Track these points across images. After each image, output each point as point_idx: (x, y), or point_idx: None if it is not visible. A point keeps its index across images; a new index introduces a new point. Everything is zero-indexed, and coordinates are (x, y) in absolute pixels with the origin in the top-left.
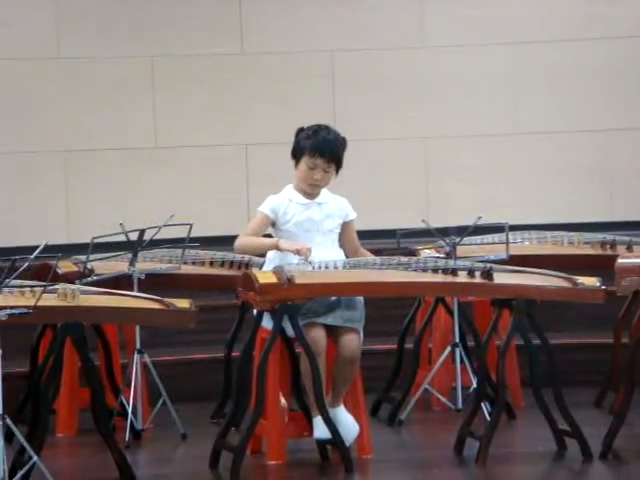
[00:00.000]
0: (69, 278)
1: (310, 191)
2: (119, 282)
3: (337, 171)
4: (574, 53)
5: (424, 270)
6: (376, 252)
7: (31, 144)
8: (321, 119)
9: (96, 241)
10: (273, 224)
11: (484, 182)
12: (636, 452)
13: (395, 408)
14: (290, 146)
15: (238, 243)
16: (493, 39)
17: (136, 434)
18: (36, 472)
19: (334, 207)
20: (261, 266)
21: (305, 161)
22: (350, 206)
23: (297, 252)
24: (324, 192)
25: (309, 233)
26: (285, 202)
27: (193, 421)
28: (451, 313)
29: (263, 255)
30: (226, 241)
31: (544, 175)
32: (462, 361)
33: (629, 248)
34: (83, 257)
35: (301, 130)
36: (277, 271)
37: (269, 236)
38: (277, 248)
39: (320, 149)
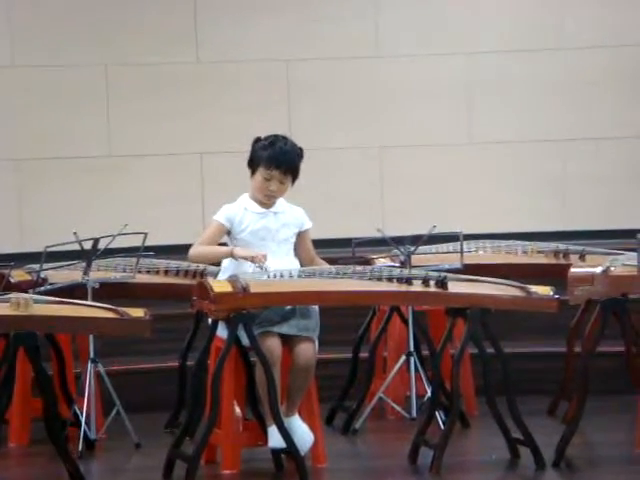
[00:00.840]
0: (22, 287)
1: (266, 201)
2: (73, 291)
3: (293, 181)
4: (528, 64)
5: (379, 279)
6: (331, 261)
7: None
8: (277, 128)
9: (49, 250)
10: (228, 233)
11: (439, 191)
12: (588, 460)
13: (350, 417)
14: (246, 155)
15: (192, 252)
16: (447, 49)
17: (89, 444)
18: None
19: (290, 216)
20: (216, 275)
21: (261, 172)
22: (306, 216)
23: (252, 259)
24: (280, 201)
25: (264, 242)
26: (241, 211)
27: (147, 430)
28: (406, 322)
29: (218, 264)
30: (181, 250)
31: (498, 184)
32: (417, 370)
33: (582, 257)
34: (36, 266)
35: (258, 140)
36: (232, 280)
37: (224, 245)
38: (232, 256)
39: (276, 161)
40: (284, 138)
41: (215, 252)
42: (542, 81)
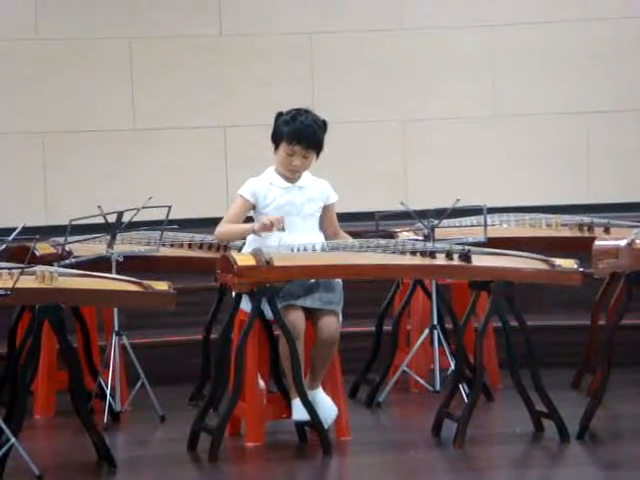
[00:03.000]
0: (47, 260)
1: (290, 176)
2: (97, 264)
3: (318, 155)
4: (553, 35)
5: (402, 252)
6: (355, 235)
7: (9, 125)
8: (300, 101)
9: (74, 223)
10: (254, 207)
11: (463, 164)
12: (613, 433)
13: (373, 390)
14: (269, 128)
15: (218, 231)
16: (473, 21)
17: (114, 416)
18: (14, 454)
19: (315, 190)
20: (240, 248)
21: (284, 147)
22: (331, 189)
23: (270, 227)
24: (305, 175)
25: (290, 217)
26: (265, 185)
27: (171, 403)
28: (429, 295)
29: (243, 237)
30: (205, 223)
31: (522, 157)
32: (440, 343)
33: (606, 230)
34: (61, 239)
35: (280, 114)
36: (256, 253)
37: (250, 219)
38: (254, 233)
39: (298, 136)
40: (306, 112)
41: (239, 230)
42: (567, 53)
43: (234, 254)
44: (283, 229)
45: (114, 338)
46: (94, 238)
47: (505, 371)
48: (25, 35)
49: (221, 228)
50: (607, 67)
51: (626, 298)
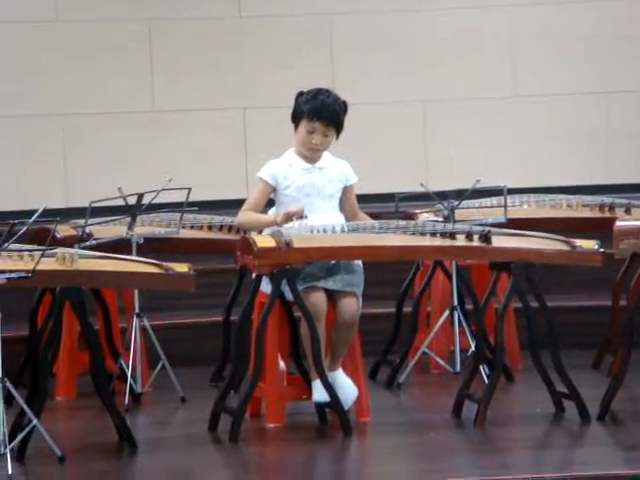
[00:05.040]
0: (68, 242)
1: (310, 155)
2: (118, 246)
3: (338, 135)
4: (573, 15)
5: (422, 234)
6: (375, 216)
7: (29, 108)
8: (320, 82)
9: (94, 205)
10: (274, 190)
11: (483, 145)
12: (634, 414)
13: (393, 371)
14: (289, 110)
15: (240, 219)
16: (493, 2)
17: (135, 397)
18: (36, 435)
19: (335, 171)
20: (260, 230)
21: (304, 125)
22: (351, 170)
23: (292, 217)
24: (325, 156)
25: (310, 198)
26: (285, 167)
27: (192, 384)
28: (449, 277)
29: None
30: (225, 205)
31: (543, 138)
32: (460, 324)
33: (627, 211)
34: (82, 221)
35: (301, 94)
36: (275, 235)
37: (271, 201)
38: (276, 224)
39: (318, 113)
40: (327, 91)
41: (262, 222)
42: (586, 33)
43: (254, 236)
44: (305, 217)
45: (135, 320)
46: (114, 220)
47: (525, 352)
48: (45, 18)
49: (243, 216)
50: (628, 47)
51: None
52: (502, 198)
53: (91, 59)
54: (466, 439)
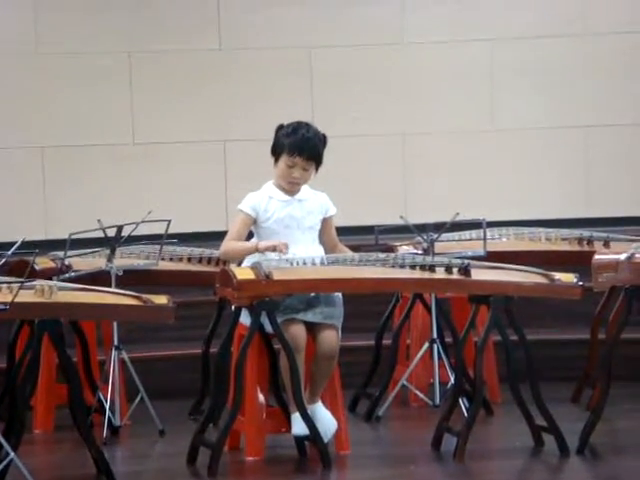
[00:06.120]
0: (46, 274)
1: (289, 189)
2: (97, 278)
3: (317, 168)
4: (553, 50)
5: (402, 266)
6: (354, 248)
7: (9, 139)
8: (299, 115)
9: (74, 237)
10: (254, 222)
11: (462, 178)
12: (613, 447)
13: (373, 404)
14: (269, 142)
15: (222, 250)
16: (471, 36)
17: (114, 430)
18: (13, 469)
19: (315, 203)
20: (239, 262)
21: (284, 159)
22: (330, 202)
23: (274, 249)
24: (304, 188)
25: (289, 230)
26: (265, 199)
27: (171, 417)
28: (429, 309)
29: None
30: (204, 237)
31: (522, 171)
32: (440, 357)
33: (606, 244)
34: (61, 253)
35: (280, 127)
36: (255, 267)
37: (251, 234)
38: (257, 251)
39: (299, 148)
40: (307, 125)
41: (243, 250)
42: (565, 67)
43: (233, 268)
44: (284, 256)
45: (113, 352)
46: (93, 252)
47: (505, 385)
48: (24, 49)
49: (225, 247)
50: (606, 81)
51: (626, 312)
52: (481, 231)
53: (71, 91)
54: (445, 472)
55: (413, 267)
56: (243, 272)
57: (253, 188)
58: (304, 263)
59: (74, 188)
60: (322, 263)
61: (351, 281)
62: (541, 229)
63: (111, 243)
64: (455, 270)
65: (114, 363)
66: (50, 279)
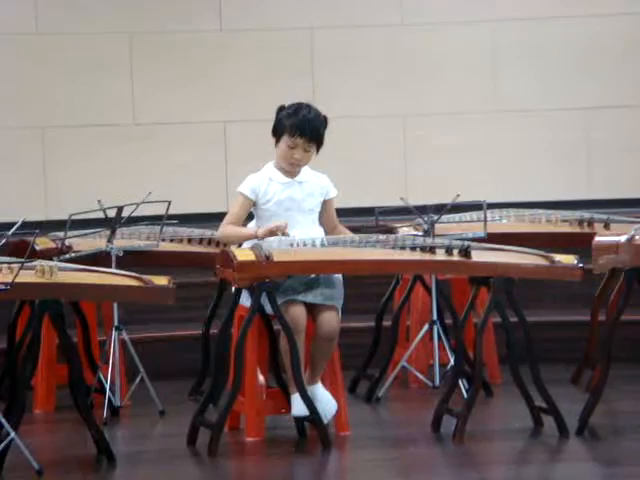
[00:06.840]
0: (47, 255)
1: (290, 170)
2: (97, 259)
3: (318, 150)
4: (554, 31)
5: (402, 248)
6: (354, 230)
7: (9, 120)
8: (301, 96)
9: (74, 218)
10: (254, 204)
11: (462, 160)
12: (612, 428)
13: (373, 385)
14: (269, 123)
15: (221, 233)
16: (473, 17)
17: (114, 411)
18: (14, 448)
19: (315, 185)
20: (240, 243)
21: (285, 140)
22: (331, 183)
23: (275, 231)
24: (305, 170)
25: (290, 212)
26: (265, 181)
27: (171, 398)
28: (429, 291)
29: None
30: (204, 218)
31: (523, 153)
32: (440, 339)
33: (606, 226)
34: (61, 234)
35: (282, 108)
36: (255, 249)
37: (250, 215)
38: (257, 237)
39: (300, 128)
40: (308, 106)
41: (241, 236)
42: (568, 49)
43: (233, 249)
44: (287, 234)
45: (114, 333)
46: (94, 233)
47: (504, 367)
48: (25, 30)
49: (224, 230)
50: (608, 63)
51: (626, 294)
52: (482, 213)
53: (72, 72)
54: (445, 453)
55: (413, 249)
56: (243, 253)
57: (253, 169)
58: (304, 244)
59: (74, 169)
60: (322, 244)
61: (351, 262)
62: (541, 211)
63: (111, 224)
64: (455, 252)
65: (114, 343)
66: (50, 259)
